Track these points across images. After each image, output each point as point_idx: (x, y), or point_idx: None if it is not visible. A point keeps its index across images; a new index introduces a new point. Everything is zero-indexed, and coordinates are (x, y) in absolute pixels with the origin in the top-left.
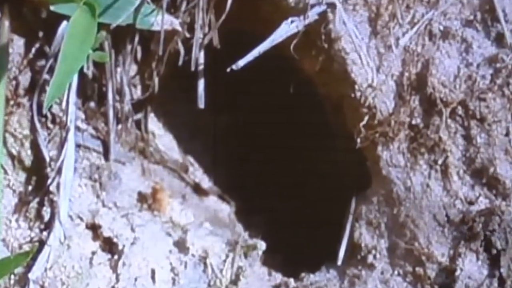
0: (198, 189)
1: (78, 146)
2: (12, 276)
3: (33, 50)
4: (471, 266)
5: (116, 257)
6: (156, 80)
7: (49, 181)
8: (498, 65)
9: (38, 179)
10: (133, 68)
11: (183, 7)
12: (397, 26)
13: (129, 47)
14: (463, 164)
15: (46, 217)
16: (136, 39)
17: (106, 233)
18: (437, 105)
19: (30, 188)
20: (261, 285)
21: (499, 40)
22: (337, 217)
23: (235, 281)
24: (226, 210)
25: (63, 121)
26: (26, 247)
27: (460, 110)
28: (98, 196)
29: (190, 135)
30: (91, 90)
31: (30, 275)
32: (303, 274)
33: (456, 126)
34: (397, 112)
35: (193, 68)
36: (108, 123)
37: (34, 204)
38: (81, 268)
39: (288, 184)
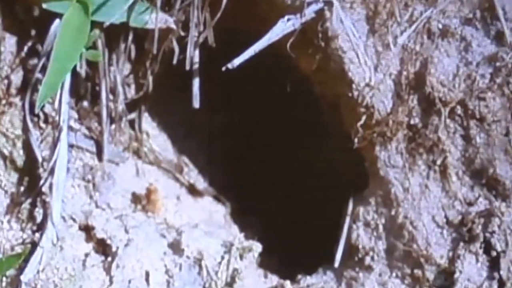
0: (193, 190)
1: (71, 146)
2: (4, 278)
3: (25, 48)
4: (471, 268)
5: (109, 259)
6: (150, 79)
7: (42, 181)
8: (497, 64)
9: (31, 179)
10: (127, 67)
11: (178, 5)
12: (395, 24)
13: (122, 45)
14: (462, 165)
15: (39, 218)
16: (130, 37)
17: (100, 234)
18: (435, 104)
19: (22, 188)
20: None
21: (499, 38)
22: (334, 217)
23: (230, 283)
24: (221, 211)
25: (55, 121)
26: (18, 249)
27: (459, 110)
28: (91, 197)
29: (185, 135)
30: (84, 89)
31: (22, 277)
32: (299, 276)
33: (455, 126)
34: (395, 112)
35: (187, 67)
36: (102, 123)
37: (26, 205)
38: (74, 270)
39: (285, 184)
